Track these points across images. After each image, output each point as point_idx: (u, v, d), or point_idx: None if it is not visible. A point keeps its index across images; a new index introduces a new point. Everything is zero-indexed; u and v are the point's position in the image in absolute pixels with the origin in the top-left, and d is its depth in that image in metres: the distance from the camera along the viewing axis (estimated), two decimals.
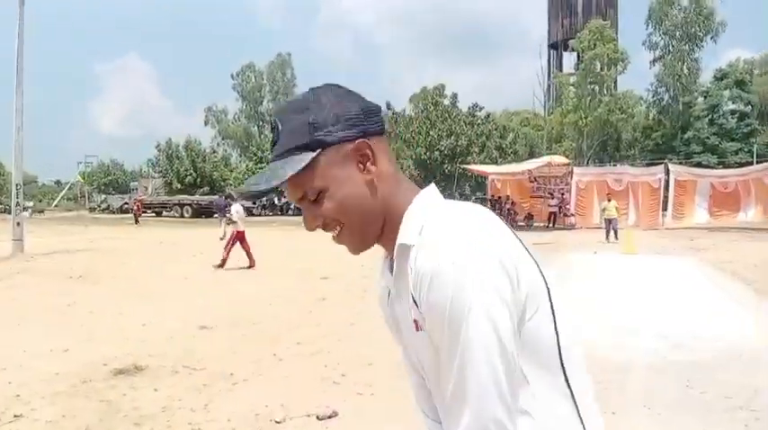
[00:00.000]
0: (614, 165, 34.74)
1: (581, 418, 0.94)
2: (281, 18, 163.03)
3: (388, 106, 41.98)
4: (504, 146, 39.61)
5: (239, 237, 12.70)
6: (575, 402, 0.94)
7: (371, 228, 1.02)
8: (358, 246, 1.04)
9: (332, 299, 8.76)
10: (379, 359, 5.45)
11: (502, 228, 0.95)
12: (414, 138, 36.77)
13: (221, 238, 22.41)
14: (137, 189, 53.29)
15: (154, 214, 44.67)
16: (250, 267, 12.51)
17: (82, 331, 6.71)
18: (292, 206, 48.57)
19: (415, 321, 0.95)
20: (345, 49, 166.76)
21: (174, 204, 44.83)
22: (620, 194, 22.55)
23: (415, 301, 0.92)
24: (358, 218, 0.99)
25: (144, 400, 4.45)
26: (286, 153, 0.98)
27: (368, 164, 0.99)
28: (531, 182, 28.99)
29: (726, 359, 5.39)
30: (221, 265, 12.36)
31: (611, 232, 19.02)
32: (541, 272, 0.96)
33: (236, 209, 13.17)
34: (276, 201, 50.37)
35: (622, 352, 5.68)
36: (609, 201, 20.13)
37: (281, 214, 47.34)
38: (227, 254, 12.54)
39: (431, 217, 0.96)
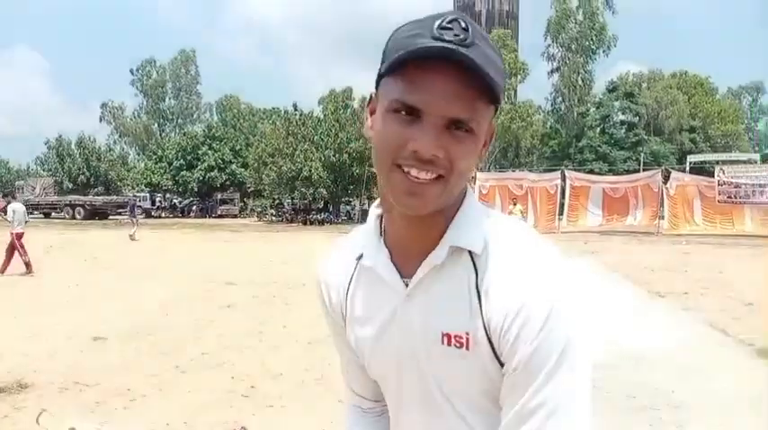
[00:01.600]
0: (514, 171, 36.04)
1: None
2: (183, 15, 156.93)
3: (295, 107, 41.53)
4: None
5: (16, 240, 11.71)
6: None
7: (451, 199, 0.85)
8: (434, 206, 0.82)
9: (238, 306, 8.42)
10: (289, 370, 5.26)
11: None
12: (322, 140, 36.48)
13: (131, 237, 21.44)
14: (22, 188, 49.61)
15: (42, 215, 41.73)
16: (27, 273, 11.60)
17: None
18: (193, 208, 47.08)
19: (460, 338, 0.85)
20: (251, 49, 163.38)
21: (65, 205, 42.01)
22: (520, 199, 23.34)
23: (482, 317, 0.83)
24: (457, 185, 0.82)
25: (28, 422, 4.03)
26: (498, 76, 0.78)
27: (488, 143, 0.88)
28: None
29: (627, 360, 5.61)
30: (2, 271, 11.55)
31: None
32: None
33: (15, 208, 12.12)
34: (177, 203, 48.58)
35: None
36: (515, 205, 20.80)
37: (183, 216, 45.69)
38: (9, 259, 11.67)
39: (499, 230, 0.87)
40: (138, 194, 43.67)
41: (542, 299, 0.79)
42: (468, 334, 0.84)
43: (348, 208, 42.81)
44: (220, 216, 44.31)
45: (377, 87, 0.84)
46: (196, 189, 47.32)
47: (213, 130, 49.93)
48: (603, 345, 6.12)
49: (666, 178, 25.66)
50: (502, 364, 0.83)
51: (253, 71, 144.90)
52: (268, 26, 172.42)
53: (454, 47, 0.74)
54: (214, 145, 47.60)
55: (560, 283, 0.81)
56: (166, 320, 7.50)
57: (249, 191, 45.71)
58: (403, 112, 0.78)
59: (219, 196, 47.14)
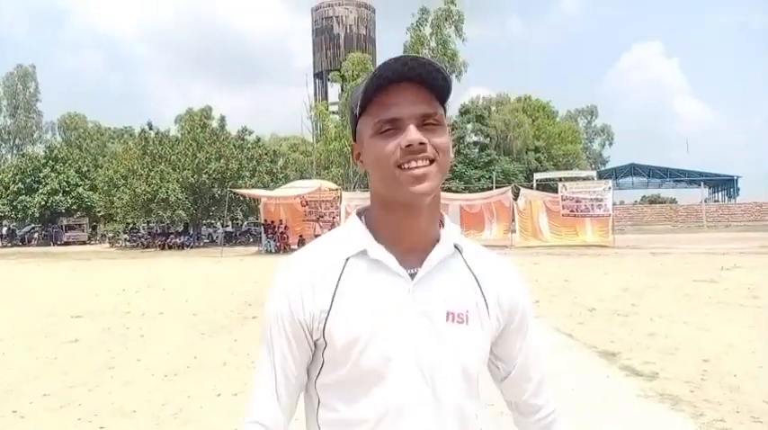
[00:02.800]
0: None
1: None
2: (20, 28, 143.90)
3: (150, 126, 39.40)
4: (275, 170, 39.63)
5: None
6: None
7: (440, 183, 1.06)
8: (435, 187, 1.03)
9: (85, 341, 7.75)
10: (144, 406, 4.91)
11: None
12: (180, 160, 34.97)
13: None
14: None
15: None
16: None
17: None
18: (35, 236, 43.11)
19: (461, 315, 1.07)
20: (98, 64, 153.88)
21: None
22: None
23: (483, 295, 1.11)
24: (445, 166, 1.04)
25: None
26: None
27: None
28: (303, 205, 29.34)
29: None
30: None
31: None
32: None
33: None
34: (17, 231, 44.25)
35: None
36: None
37: (23, 245, 41.67)
38: None
39: (460, 233, 1.15)
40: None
41: (521, 283, 1.19)
42: (467, 311, 1.08)
43: (210, 230, 41.30)
44: (67, 243, 40.89)
45: (355, 134, 1.10)
46: (37, 215, 43.27)
47: (56, 151, 45.98)
48: None
49: (516, 195, 27.44)
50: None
51: (100, 89, 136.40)
52: (117, 42, 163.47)
53: (404, 66, 0.99)
54: (57, 167, 43.82)
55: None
56: (1, 359, 6.74)
57: (99, 215, 42.61)
58: (387, 128, 1.01)
59: (65, 222, 43.52)
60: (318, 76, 65.59)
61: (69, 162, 44.78)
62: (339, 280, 1.05)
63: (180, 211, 35.67)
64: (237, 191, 31.87)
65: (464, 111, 49.25)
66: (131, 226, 40.00)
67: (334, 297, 1.04)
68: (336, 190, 29.66)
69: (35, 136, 59.80)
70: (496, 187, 33.39)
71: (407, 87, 1.01)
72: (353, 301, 1.04)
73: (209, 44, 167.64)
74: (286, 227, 28.69)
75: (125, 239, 38.23)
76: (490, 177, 41.87)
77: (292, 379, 1.08)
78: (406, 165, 0.99)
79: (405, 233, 1.07)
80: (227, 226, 40.01)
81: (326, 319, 1.04)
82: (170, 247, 33.57)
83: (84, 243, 41.82)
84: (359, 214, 1.13)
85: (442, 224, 1.12)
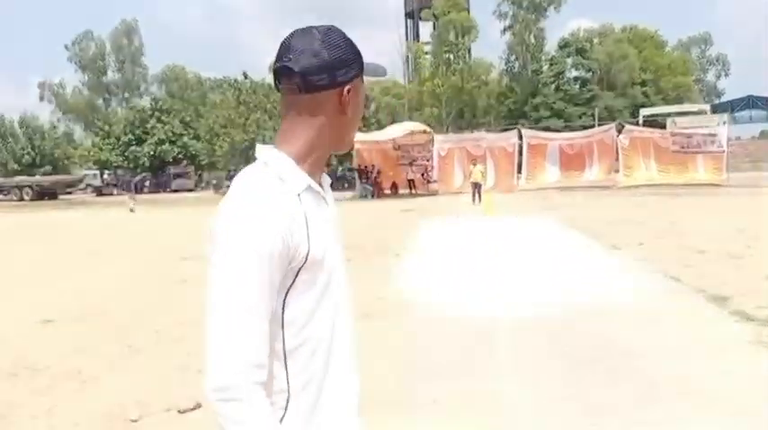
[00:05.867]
0: (472, 132, 36.02)
1: None
2: None
3: (245, 76, 40.32)
4: (366, 115, 39.79)
5: None
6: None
7: None
8: None
9: (193, 281, 8.20)
10: None
11: None
12: (275, 108, 35.81)
13: (131, 210, 23.24)
14: None
15: None
16: None
17: None
18: (147, 184, 45.88)
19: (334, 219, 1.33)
20: (196, 16, 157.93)
21: (12, 187, 40.52)
22: (479, 160, 23.41)
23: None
24: None
25: None
26: None
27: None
28: (395, 150, 29.31)
29: (584, 312, 5.66)
30: None
31: (476, 195, 19.78)
32: None
33: None
34: (129, 179, 47.29)
35: (491, 313, 5.79)
36: (474, 166, 20.89)
37: (136, 192, 44.48)
38: None
39: None
40: (123, 173, 42.32)
41: None
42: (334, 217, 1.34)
43: None
44: (175, 191, 43.32)
45: (344, 81, 1.28)
46: (148, 164, 46.00)
47: (161, 103, 48.28)
48: (560, 299, 6.17)
49: (620, 132, 26.03)
50: None
51: (200, 38, 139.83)
52: None
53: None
54: (163, 117, 46.14)
55: None
56: (118, 298, 7.28)
57: (203, 163, 44.70)
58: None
59: (173, 170, 46.00)
60: (410, 15, 64.19)
61: (173, 113, 46.95)
62: (304, 210, 1.19)
63: None
64: None
65: (563, 45, 46.74)
66: (233, 173, 41.67)
67: (307, 225, 1.18)
68: (429, 133, 29.26)
69: (142, 89, 62.69)
70: (599, 125, 31.79)
71: None
72: (317, 226, 1.21)
73: None
74: (379, 172, 28.72)
75: (227, 186, 39.95)
76: (592, 114, 39.78)
77: (270, 314, 1.15)
78: None
79: (320, 169, 1.32)
80: (324, 170, 40.59)
81: (309, 244, 1.17)
82: None
83: (190, 190, 44.11)
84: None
85: None
